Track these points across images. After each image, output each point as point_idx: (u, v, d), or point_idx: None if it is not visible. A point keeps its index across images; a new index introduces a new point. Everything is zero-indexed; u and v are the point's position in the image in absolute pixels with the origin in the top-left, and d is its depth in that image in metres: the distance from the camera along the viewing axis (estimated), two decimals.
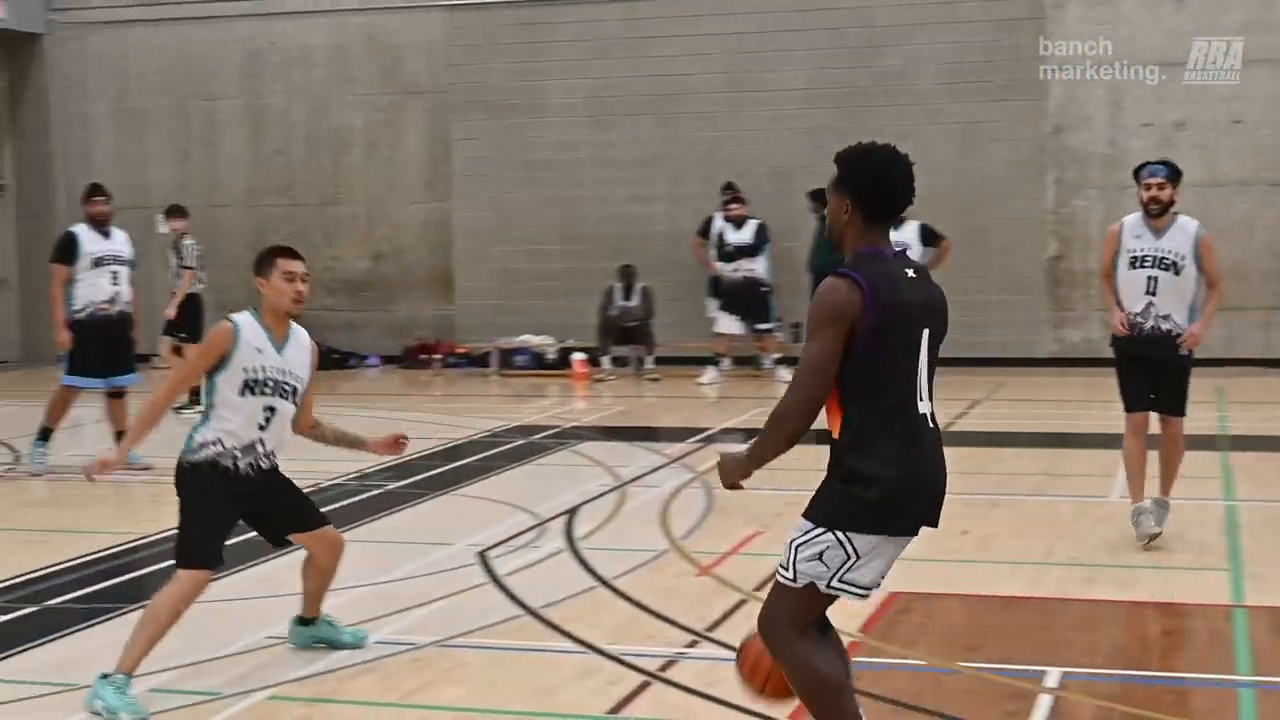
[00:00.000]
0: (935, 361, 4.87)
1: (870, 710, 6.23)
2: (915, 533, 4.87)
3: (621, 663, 6.80)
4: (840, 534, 4.74)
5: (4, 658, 7.14)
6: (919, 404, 4.77)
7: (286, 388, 6.75)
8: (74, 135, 22.46)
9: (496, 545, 9.37)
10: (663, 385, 18.64)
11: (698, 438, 14.00)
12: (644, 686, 6.50)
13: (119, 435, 12.61)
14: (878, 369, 4.68)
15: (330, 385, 19.20)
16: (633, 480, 11.78)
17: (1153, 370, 9.19)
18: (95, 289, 12.48)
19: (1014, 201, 19.46)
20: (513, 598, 8.02)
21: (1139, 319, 9.18)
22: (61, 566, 9.08)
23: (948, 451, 4.98)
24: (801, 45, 19.76)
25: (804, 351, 4.72)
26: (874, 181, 4.77)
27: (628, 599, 8.00)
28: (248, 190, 21.93)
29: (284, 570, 8.55)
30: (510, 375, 19.97)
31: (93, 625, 7.58)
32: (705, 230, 19.16)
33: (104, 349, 12.51)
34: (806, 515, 4.86)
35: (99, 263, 12.49)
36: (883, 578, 4.88)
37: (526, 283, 20.92)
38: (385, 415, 16.50)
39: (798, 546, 4.84)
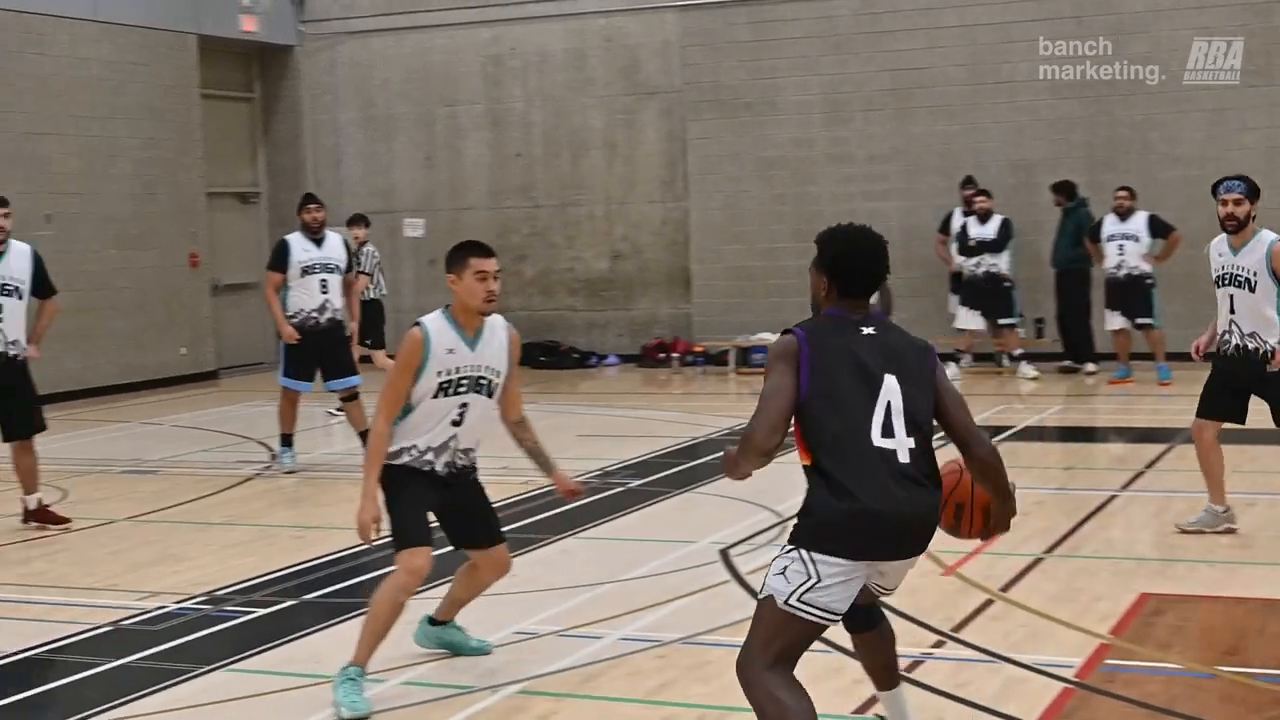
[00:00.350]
0: (919, 399, 5.08)
1: (1124, 715, 6.10)
2: (877, 559, 4.97)
3: None
4: (805, 553, 4.92)
5: (264, 650, 7.40)
6: (881, 440, 4.96)
7: (481, 383, 6.69)
8: (323, 143, 23.14)
9: (738, 543, 9.39)
10: None
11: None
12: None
13: (362, 435, 12.98)
14: (823, 412, 4.96)
15: (571, 384, 19.47)
16: None
17: (1244, 390, 9.09)
18: (306, 296, 12.83)
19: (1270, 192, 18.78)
20: (755, 595, 8.01)
21: (1226, 337, 9.06)
22: (317, 562, 9.37)
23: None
24: (1042, 35, 19.35)
25: (762, 390, 5.03)
26: (840, 260, 5.17)
27: None
28: (489, 192, 22.34)
29: (532, 566, 8.71)
30: (748, 373, 19.97)
31: (346, 620, 7.79)
32: (945, 226, 18.88)
33: (315, 354, 12.87)
34: (789, 538, 5.06)
35: (307, 271, 12.81)
36: (846, 605, 4.98)
37: (762, 280, 20.91)
38: (625, 414, 16.68)
39: (773, 561, 5.06)
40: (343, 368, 12.95)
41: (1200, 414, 9.25)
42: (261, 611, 8.20)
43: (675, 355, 20.90)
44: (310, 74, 23.06)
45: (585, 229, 21.85)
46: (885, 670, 5.60)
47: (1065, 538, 9.37)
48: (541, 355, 21.38)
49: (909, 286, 19.63)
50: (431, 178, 22.63)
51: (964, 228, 18.47)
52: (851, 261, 5.19)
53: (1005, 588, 8.15)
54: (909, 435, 5.02)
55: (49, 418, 10.89)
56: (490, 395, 6.74)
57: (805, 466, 5.02)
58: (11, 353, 10.22)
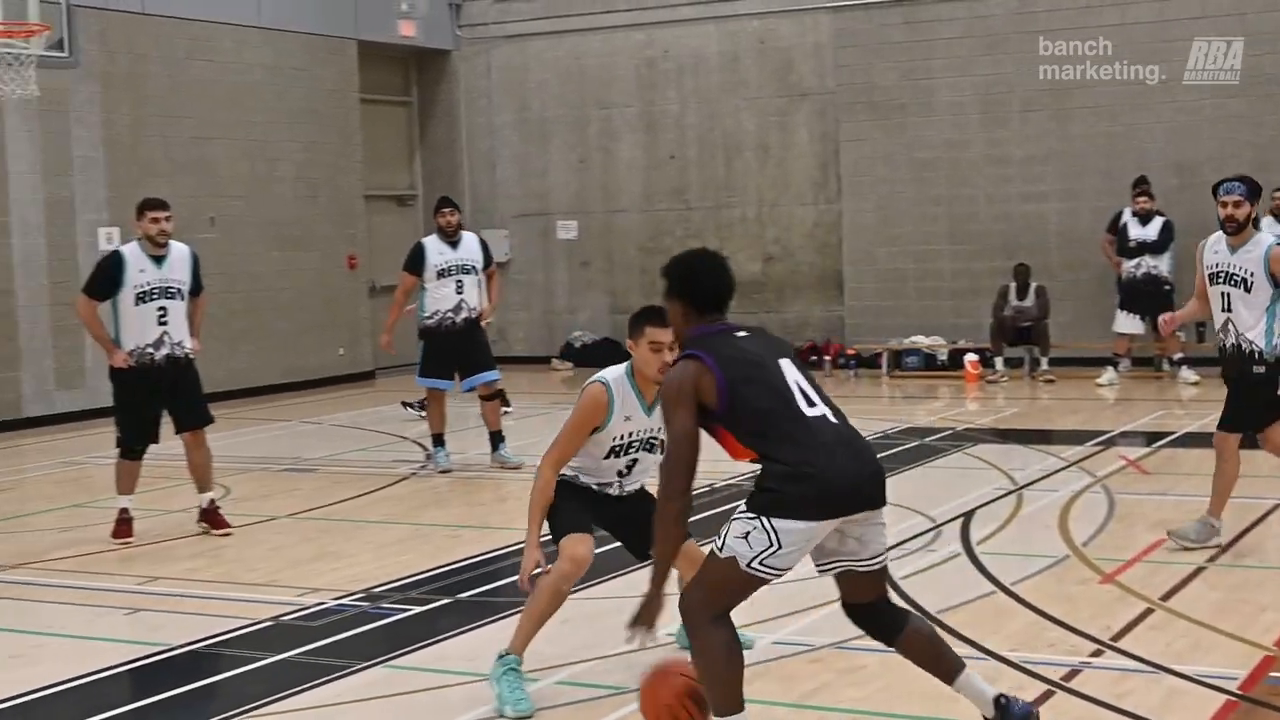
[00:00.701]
0: (809, 375, 5.50)
1: None
2: (839, 516, 5.30)
3: (1023, 670, 6.68)
4: (766, 521, 5.24)
5: (420, 648, 7.50)
6: (809, 410, 5.34)
7: (653, 443, 6.72)
8: (479, 146, 23.40)
9: (892, 548, 9.29)
10: (1058, 386, 18.19)
11: (1096, 440, 13.62)
12: (1047, 695, 6.36)
13: (493, 436, 13.12)
14: (750, 405, 5.29)
15: None
16: (1030, 484, 11.55)
17: (1232, 387, 9.08)
18: (442, 298, 12.99)
19: None
20: (909, 601, 7.96)
21: (1221, 336, 9.02)
22: (471, 561, 9.48)
23: None
24: (1205, 32, 18.96)
25: (668, 434, 5.37)
26: (686, 282, 5.55)
27: (1028, 606, 7.85)
28: (642, 195, 22.42)
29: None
30: (900, 377, 19.84)
31: (500, 619, 7.85)
32: (1113, 227, 18.50)
33: (452, 354, 13.03)
34: (746, 504, 5.37)
35: (443, 273, 12.98)
36: (794, 561, 5.35)
37: (914, 283, 20.75)
38: None
39: (732, 524, 5.34)
40: (479, 365, 13.11)
41: (1221, 426, 9.23)
42: (417, 609, 8.31)
43: (827, 358, 20.80)
44: (467, 78, 23.33)
45: (737, 231, 21.83)
46: (938, 663, 5.62)
47: (1229, 546, 9.17)
48: None
49: (1068, 290, 19.39)
50: (585, 180, 22.77)
51: (1124, 228, 18.15)
52: (698, 279, 5.56)
53: (1166, 596, 8.00)
54: (826, 405, 5.39)
55: (215, 415, 11.11)
56: (657, 453, 6.74)
57: (755, 452, 5.33)
58: (178, 353, 10.47)
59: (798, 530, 5.24)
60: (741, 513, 5.33)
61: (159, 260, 10.40)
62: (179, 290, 10.49)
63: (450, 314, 12.97)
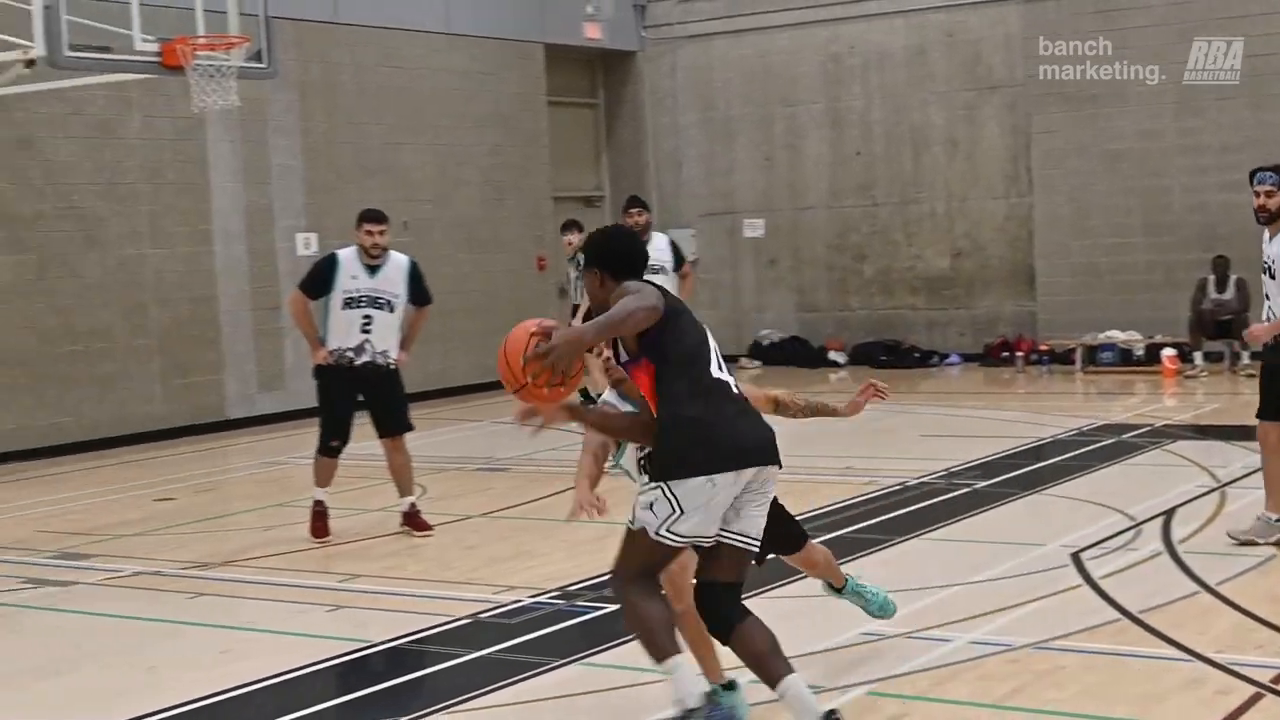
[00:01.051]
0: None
1: None
2: (735, 468, 5.50)
3: (1231, 673, 6.52)
4: (666, 488, 5.52)
5: (615, 646, 7.46)
6: (719, 374, 5.66)
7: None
8: (665, 146, 23.49)
9: (1090, 546, 9.16)
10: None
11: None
12: (1256, 699, 6.20)
13: None
14: (681, 339, 5.60)
15: (911, 384, 19.29)
16: (1232, 481, 11.27)
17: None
18: None
19: None
20: (1110, 601, 7.83)
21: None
22: None
23: None
24: None
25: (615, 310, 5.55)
26: (605, 253, 5.79)
27: (1234, 606, 7.66)
28: (829, 191, 22.32)
29: (877, 568, 8.69)
30: (1095, 372, 19.46)
31: None
32: None
33: None
34: (649, 475, 5.71)
35: None
36: (710, 529, 5.55)
37: (1109, 276, 20.35)
38: (968, 414, 16.46)
39: (638, 497, 5.69)
40: None
41: (1262, 415, 9.08)
42: (612, 608, 8.34)
43: (1019, 354, 20.50)
44: (652, 78, 23.43)
45: (925, 226, 21.61)
46: (758, 660, 5.63)
47: None
48: (882, 354, 21.27)
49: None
50: (771, 178, 22.73)
51: None
52: (617, 250, 5.82)
53: None
54: (730, 375, 5.72)
55: (414, 416, 11.30)
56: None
57: (659, 406, 5.57)
58: (380, 361, 10.62)
59: (696, 487, 5.48)
60: (647, 485, 5.67)
61: (373, 270, 10.53)
62: (388, 301, 10.59)
63: None
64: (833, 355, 21.82)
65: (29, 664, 7.80)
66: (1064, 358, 20.13)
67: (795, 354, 22.15)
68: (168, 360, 17.22)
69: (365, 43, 19.35)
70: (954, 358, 21.38)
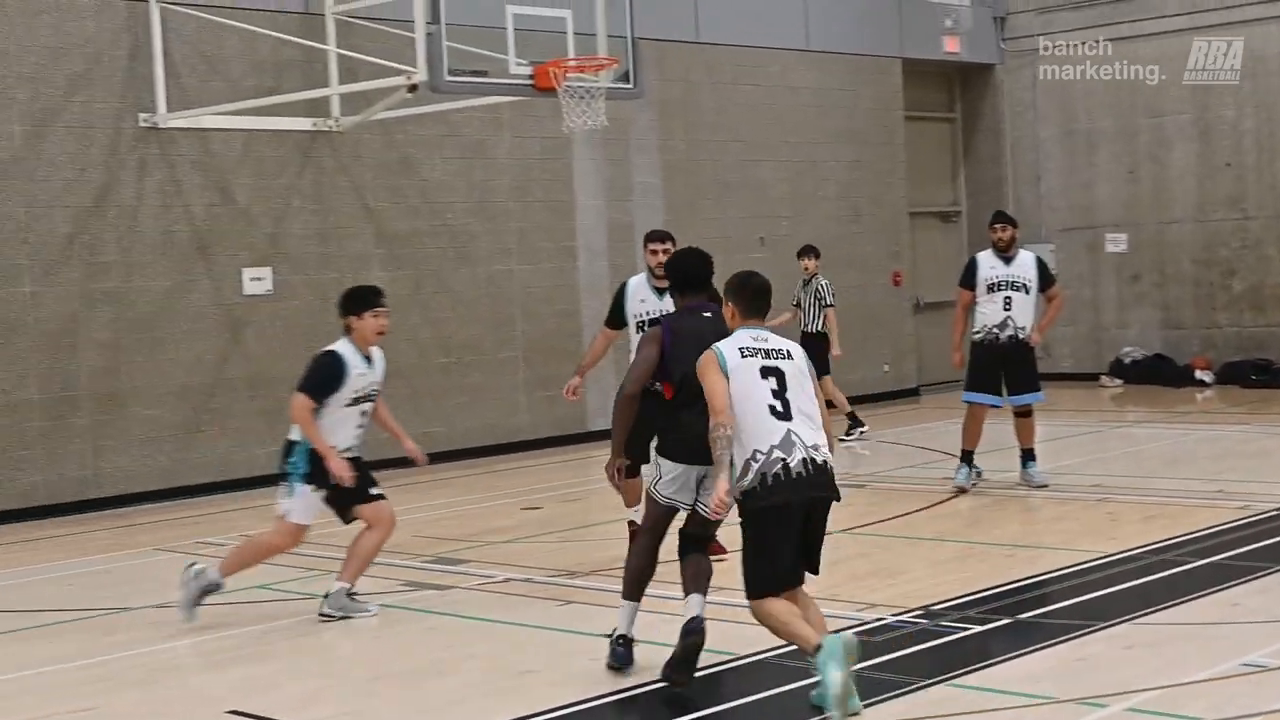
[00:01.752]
0: None
1: None
2: (696, 464, 7.39)
3: None
4: (657, 457, 7.61)
5: (981, 668, 7.45)
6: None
7: None
8: (1023, 159, 23.10)
9: None
10: None
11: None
12: None
13: (1025, 453, 12.93)
14: (679, 362, 7.43)
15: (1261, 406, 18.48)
16: None
17: None
18: (989, 314, 12.94)
19: None
20: None
21: None
22: (1028, 581, 9.39)
23: None
24: None
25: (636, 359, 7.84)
26: (674, 273, 8.00)
27: None
28: (1196, 204, 21.59)
29: (1254, 596, 8.37)
30: None
31: (1058, 642, 7.76)
32: None
33: (998, 370, 12.92)
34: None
35: (993, 288, 12.92)
36: (686, 499, 7.54)
37: None
38: None
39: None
40: (1024, 384, 12.95)
41: None
42: (976, 628, 8.29)
43: None
44: (1011, 91, 23.08)
45: None
46: (694, 580, 7.52)
47: None
48: (1253, 373, 20.46)
49: None
50: (1134, 191, 22.12)
51: None
52: (682, 269, 7.90)
53: None
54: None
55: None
56: None
57: (662, 408, 7.57)
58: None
59: (672, 468, 7.49)
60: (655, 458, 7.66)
61: (661, 292, 10.37)
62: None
63: (995, 329, 12.89)
64: (1199, 374, 21.08)
65: (412, 664, 8.19)
66: None
67: (1159, 372, 21.47)
68: (532, 372, 17.79)
69: (724, 61, 19.62)
70: None
